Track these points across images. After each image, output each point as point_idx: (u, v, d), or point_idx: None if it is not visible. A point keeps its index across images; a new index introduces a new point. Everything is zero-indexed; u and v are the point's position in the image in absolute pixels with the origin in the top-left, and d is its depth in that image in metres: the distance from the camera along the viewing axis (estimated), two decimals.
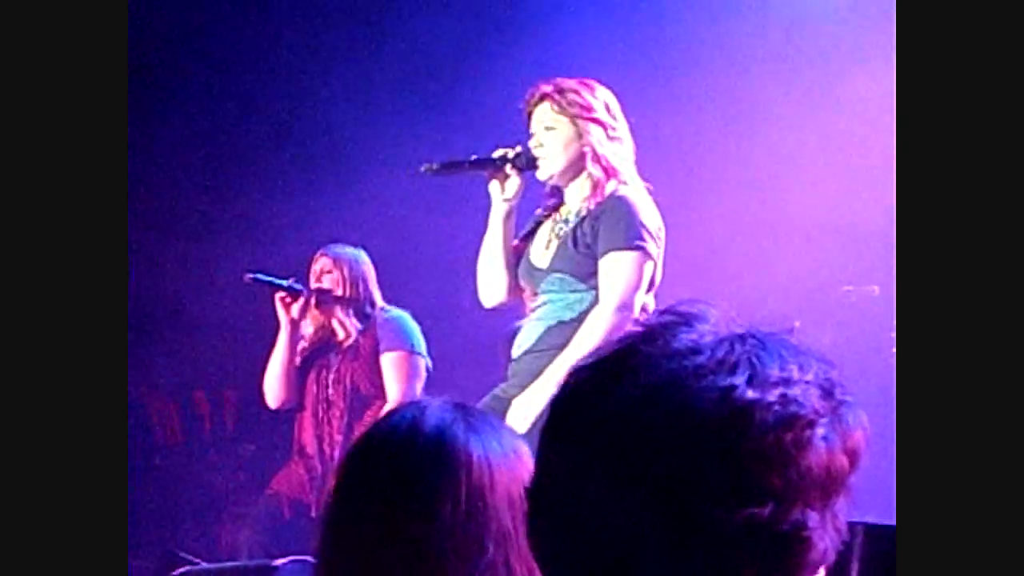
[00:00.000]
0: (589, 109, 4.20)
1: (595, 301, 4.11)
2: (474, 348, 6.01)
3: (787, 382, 1.11)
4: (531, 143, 4.27)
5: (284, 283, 5.40)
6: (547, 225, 4.33)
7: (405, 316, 5.50)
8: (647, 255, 4.12)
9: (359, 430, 4.92)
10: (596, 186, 4.18)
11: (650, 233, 4.14)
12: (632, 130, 4.28)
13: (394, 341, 5.42)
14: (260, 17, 7.09)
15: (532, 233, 4.37)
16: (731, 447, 1.08)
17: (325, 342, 5.52)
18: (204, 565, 4.79)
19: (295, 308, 5.41)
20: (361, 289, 5.50)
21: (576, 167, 4.22)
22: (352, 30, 7.04)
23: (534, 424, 3.94)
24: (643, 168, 4.30)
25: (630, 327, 1.18)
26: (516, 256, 4.37)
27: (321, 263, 5.52)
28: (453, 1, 6.93)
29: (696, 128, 6.49)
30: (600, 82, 4.30)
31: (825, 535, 1.11)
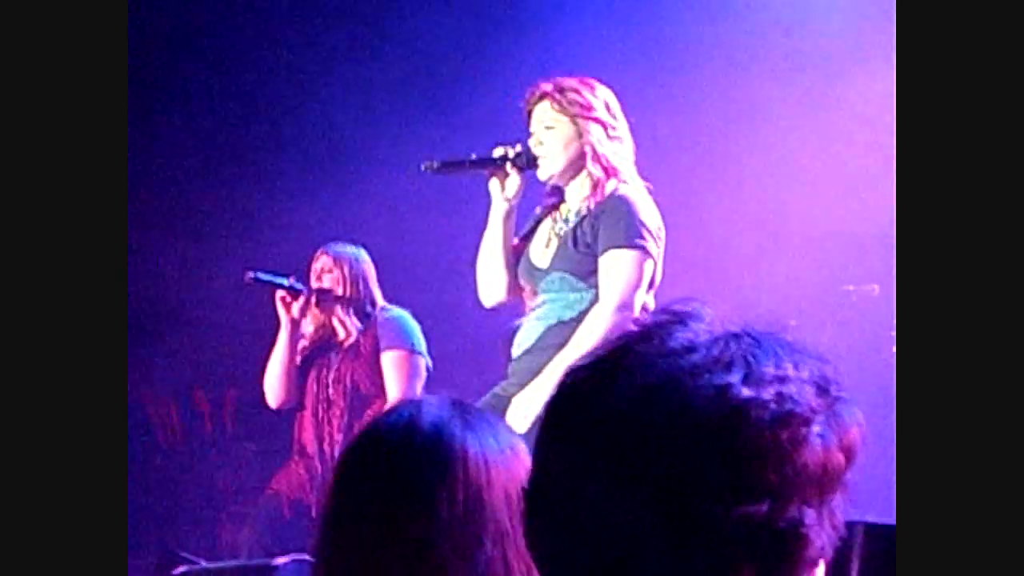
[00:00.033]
0: (589, 108, 4.19)
1: (595, 300, 4.11)
2: (474, 347, 6.01)
3: (782, 380, 1.11)
4: (531, 142, 4.27)
5: (285, 282, 5.40)
6: (547, 224, 4.33)
7: (405, 315, 5.49)
8: (647, 254, 4.12)
9: (359, 429, 4.92)
10: (596, 185, 4.18)
11: (650, 232, 4.13)
12: (632, 130, 4.28)
13: (394, 340, 5.42)
14: (260, 17, 7.10)
15: (532, 232, 4.37)
16: (728, 445, 1.08)
17: (325, 341, 5.52)
18: (204, 564, 4.79)
19: (296, 307, 5.40)
20: (362, 288, 5.50)
21: (576, 166, 4.22)
22: (352, 30, 7.04)
23: (534, 423, 3.94)
24: (643, 168, 4.30)
25: (629, 326, 1.18)
26: (516, 255, 4.37)
27: (322, 262, 5.51)
28: (453, 1, 6.94)
29: (696, 128, 6.49)
30: (600, 81, 4.30)
31: (822, 532, 1.11)
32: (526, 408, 4.05)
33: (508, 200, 4.32)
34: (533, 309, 4.26)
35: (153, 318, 6.80)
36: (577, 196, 4.25)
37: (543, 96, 4.24)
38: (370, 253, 5.58)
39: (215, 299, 6.94)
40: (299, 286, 5.41)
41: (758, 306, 5.91)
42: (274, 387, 5.49)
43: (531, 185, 4.35)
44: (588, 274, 4.15)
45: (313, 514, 5.34)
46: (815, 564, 1.13)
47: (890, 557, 2.89)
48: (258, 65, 7.11)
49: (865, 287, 6.16)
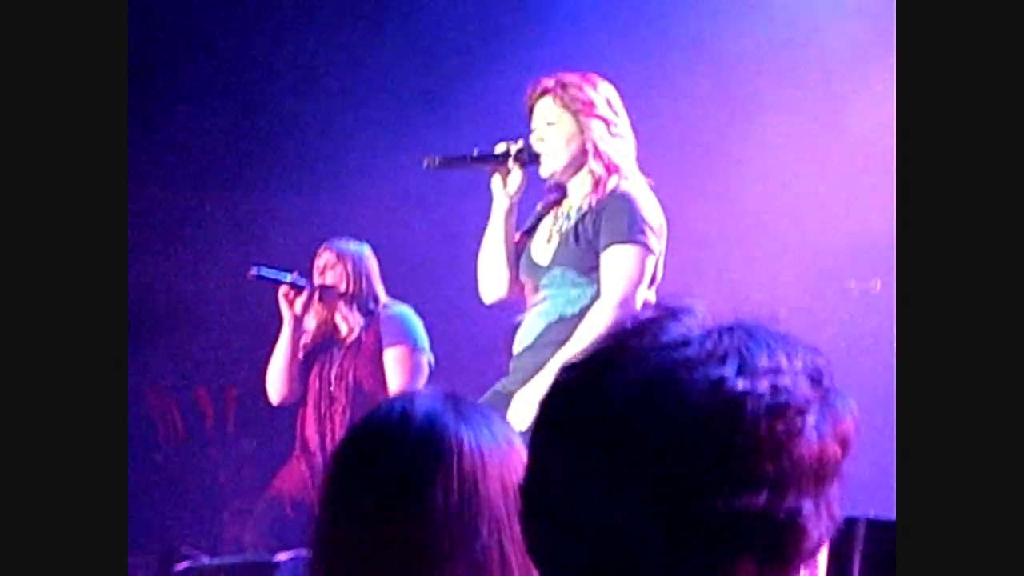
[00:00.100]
0: (591, 104, 4.19)
1: (596, 296, 4.11)
2: (476, 344, 6.01)
3: (776, 371, 1.11)
4: (532, 138, 4.26)
5: (288, 278, 5.39)
6: (548, 220, 4.33)
7: (408, 312, 5.49)
8: (648, 250, 4.12)
9: None
10: (598, 182, 4.17)
11: (651, 228, 4.13)
12: (633, 126, 4.28)
13: (397, 337, 5.42)
14: (260, 17, 7.10)
15: (533, 228, 4.37)
16: (724, 437, 1.08)
17: (328, 337, 5.51)
18: (207, 561, 4.80)
19: (298, 303, 5.39)
20: (364, 284, 5.49)
21: (578, 162, 4.22)
22: (352, 30, 7.04)
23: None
24: (644, 164, 4.30)
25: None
26: (517, 252, 4.37)
27: (324, 258, 5.51)
28: (454, 1, 6.93)
29: (697, 124, 6.49)
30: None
31: (820, 523, 1.12)
32: (528, 405, 4.05)
33: (510, 196, 4.32)
34: (534, 305, 4.26)
35: (154, 315, 6.81)
36: (579, 192, 4.24)
37: (545, 92, 4.23)
38: (373, 249, 5.58)
39: (216, 296, 6.94)
40: (302, 282, 5.40)
41: (759, 302, 5.92)
42: (276, 383, 5.49)
43: (533, 181, 4.35)
44: (589, 270, 4.15)
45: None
46: (813, 555, 1.13)
47: (892, 553, 2.89)
48: (258, 65, 7.11)
49: (867, 283, 6.17)
